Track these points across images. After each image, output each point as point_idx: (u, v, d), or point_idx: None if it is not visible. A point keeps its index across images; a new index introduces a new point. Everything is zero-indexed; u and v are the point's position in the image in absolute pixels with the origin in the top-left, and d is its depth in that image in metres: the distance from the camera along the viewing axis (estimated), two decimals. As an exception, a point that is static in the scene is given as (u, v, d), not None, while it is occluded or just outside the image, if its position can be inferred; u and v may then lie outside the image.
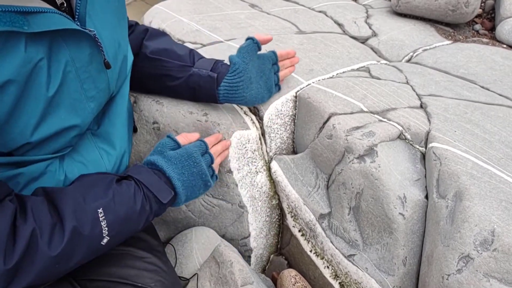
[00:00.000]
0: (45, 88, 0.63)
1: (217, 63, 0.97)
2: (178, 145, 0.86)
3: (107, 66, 0.73)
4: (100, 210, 0.68)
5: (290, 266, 1.17)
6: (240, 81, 0.95)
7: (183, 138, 0.89)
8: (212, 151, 0.91)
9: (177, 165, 0.82)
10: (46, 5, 0.60)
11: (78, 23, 0.67)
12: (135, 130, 1.05)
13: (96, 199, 0.69)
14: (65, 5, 0.66)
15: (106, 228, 0.68)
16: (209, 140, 0.92)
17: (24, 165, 0.69)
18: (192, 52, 1.00)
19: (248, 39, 0.98)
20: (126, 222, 0.72)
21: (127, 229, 0.73)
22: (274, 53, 1.03)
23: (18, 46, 0.57)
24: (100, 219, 0.67)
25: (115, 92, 0.83)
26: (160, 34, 1.03)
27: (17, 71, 0.58)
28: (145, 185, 0.76)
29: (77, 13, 0.67)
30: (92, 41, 0.68)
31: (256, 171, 1.08)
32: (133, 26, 1.00)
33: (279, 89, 1.09)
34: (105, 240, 0.68)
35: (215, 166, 0.91)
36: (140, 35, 0.99)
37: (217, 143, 0.95)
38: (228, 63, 0.97)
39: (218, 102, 0.99)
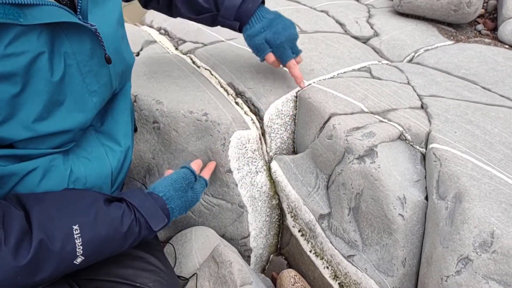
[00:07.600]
0: (49, 80, 0.63)
1: (240, 8, 0.98)
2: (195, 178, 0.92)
3: (108, 60, 0.73)
4: (75, 227, 0.65)
5: (289, 266, 1.17)
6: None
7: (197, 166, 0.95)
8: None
9: (181, 199, 0.86)
10: None
11: (80, 17, 0.67)
12: (135, 130, 1.05)
13: (74, 215, 0.66)
14: None
15: (81, 247, 0.65)
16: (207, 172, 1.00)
17: (26, 159, 0.68)
18: None
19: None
20: (107, 243, 0.69)
21: (108, 249, 0.71)
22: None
23: (13, 38, 0.57)
24: (75, 236, 0.65)
25: (117, 89, 0.83)
26: None
27: (14, 63, 0.58)
28: (138, 209, 0.75)
29: (79, 7, 0.67)
30: (93, 35, 0.69)
31: (256, 171, 1.08)
32: None
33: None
34: (79, 260, 0.66)
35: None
36: None
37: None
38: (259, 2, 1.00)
39: None
